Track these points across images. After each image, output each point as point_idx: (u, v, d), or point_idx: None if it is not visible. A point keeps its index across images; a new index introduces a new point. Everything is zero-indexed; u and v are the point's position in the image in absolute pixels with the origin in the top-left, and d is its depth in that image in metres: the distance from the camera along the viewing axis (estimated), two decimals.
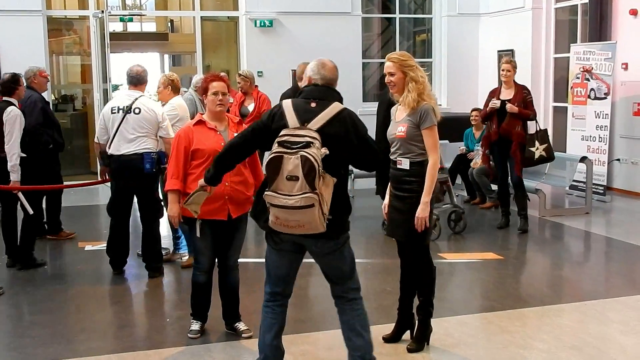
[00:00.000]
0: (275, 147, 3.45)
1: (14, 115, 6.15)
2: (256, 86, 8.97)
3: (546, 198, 8.83)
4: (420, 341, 4.50)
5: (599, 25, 10.17)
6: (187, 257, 6.43)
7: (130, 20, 16.84)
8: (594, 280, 6.22)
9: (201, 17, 12.60)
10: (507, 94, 7.77)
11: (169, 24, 19.11)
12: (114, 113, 6.03)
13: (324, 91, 3.68)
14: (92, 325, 5.03)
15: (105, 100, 11.59)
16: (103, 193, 9.66)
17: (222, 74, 10.25)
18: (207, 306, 4.75)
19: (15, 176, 6.11)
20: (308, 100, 3.65)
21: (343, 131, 3.59)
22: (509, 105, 7.61)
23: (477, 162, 9.15)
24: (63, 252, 7.22)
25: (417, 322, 4.53)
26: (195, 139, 4.48)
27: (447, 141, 10.70)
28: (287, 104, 3.66)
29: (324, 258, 3.74)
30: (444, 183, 7.42)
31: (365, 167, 3.86)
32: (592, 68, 9.86)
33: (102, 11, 11.33)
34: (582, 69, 10.02)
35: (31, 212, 6.39)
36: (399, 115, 4.38)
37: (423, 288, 4.50)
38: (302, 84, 3.89)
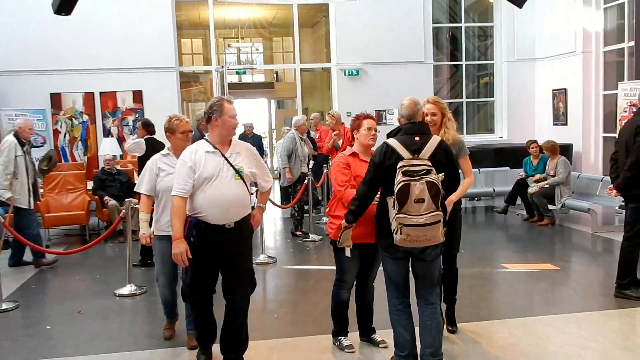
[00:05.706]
0: (400, 177, 3.41)
1: None
2: (342, 123, 9.06)
3: (597, 216, 8.36)
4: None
5: None
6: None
7: (244, 72, 17.44)
8: None
9: (300, 68, 12.84)
10: None
11: (275, 75, 19.57)
12: None
13: (420, 126, 3.66)
14: None
15: None
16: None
17: (316, 114, 10.43)
18: (348, 321, 4.32)
19: None
20: (411, 135, 3.59)
21: (445, 158, 3.58)
22: None
23: (533, 190, 8.92)
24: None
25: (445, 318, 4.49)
26: (352, 167, 4.07)
27: (507, 168, 10.41)
28: (393, 142, 3.57)
29: (427, 264, 3.65)
30: None
31: (451, 188, 3.72)
32: (639, 102, 9.29)
33: (222, 66, 11.73)
34: (629, 103, 9.47)
35: None
36: None
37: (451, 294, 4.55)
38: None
